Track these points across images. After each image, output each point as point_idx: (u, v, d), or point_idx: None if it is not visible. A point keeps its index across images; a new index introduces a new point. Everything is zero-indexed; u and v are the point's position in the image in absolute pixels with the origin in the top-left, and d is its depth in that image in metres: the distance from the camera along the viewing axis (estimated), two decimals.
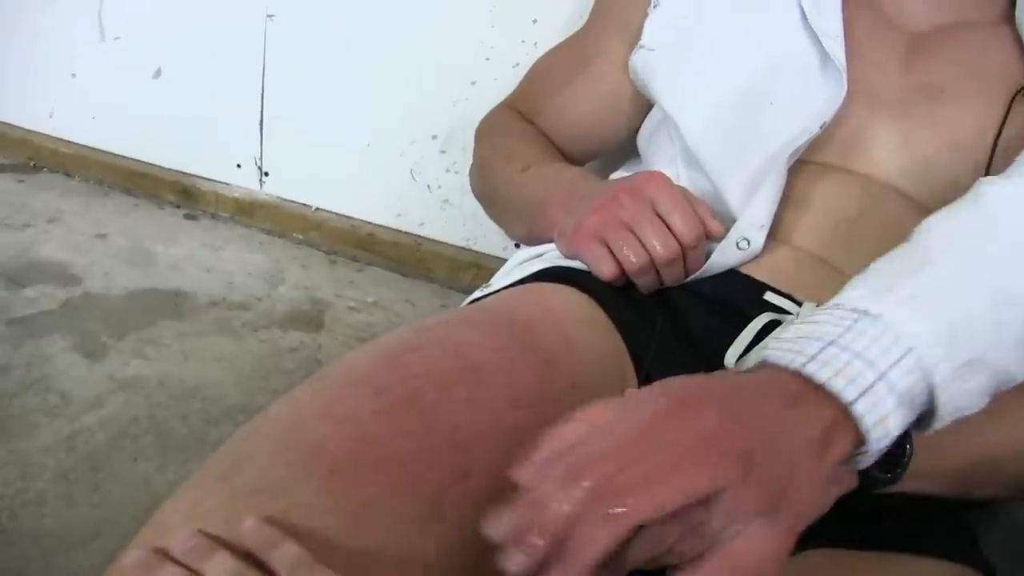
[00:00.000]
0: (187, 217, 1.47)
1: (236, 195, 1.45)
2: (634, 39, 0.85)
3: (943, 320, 0.44)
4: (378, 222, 1.39)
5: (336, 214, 1.41)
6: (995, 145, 0.70)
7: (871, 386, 0.42)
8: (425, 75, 1.27)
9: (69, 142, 1.55)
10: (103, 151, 1.53)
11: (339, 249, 1.40)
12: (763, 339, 0.65)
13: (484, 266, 1.30)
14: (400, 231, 1.37)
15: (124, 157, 1.52)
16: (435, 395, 0.52)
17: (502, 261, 0.88)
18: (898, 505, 0.59)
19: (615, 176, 0.88)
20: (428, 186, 1.32)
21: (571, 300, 0.68)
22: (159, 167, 1.50)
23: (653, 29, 0.84)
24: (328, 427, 0.49)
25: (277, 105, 1.39)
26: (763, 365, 0.46)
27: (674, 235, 0.67)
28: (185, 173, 1.49)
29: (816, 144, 0.73)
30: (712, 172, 0.77)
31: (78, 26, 1.46)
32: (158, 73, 1.45)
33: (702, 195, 0.75)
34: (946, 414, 0.44)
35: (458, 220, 1.31)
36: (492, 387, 0.54)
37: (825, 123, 0.72)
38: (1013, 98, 0.70)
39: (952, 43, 0.75)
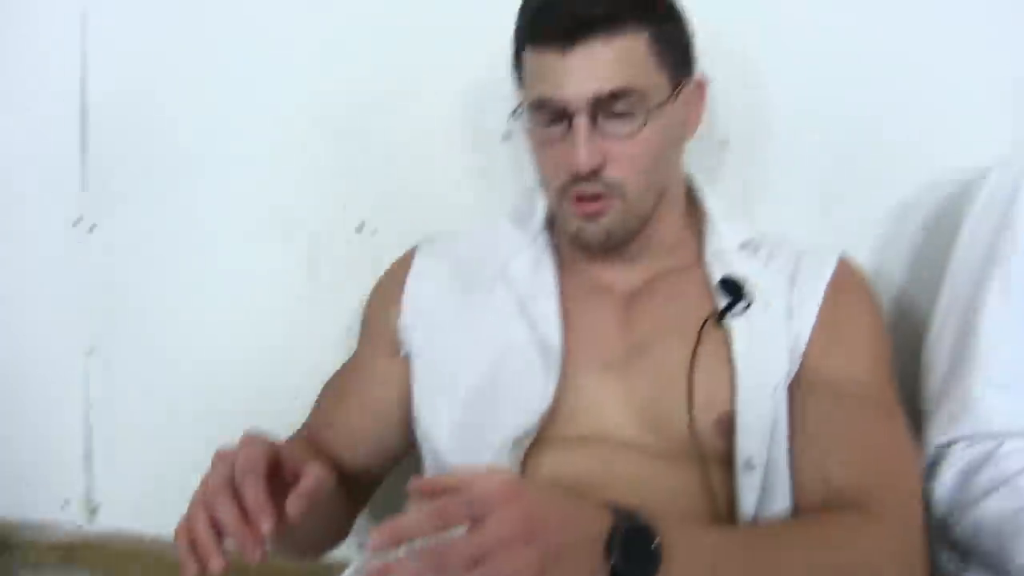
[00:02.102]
0: (3, 572, 1.38)
1: (61, 538, 1.37)
2: (391, 351, 0.94)
3: None
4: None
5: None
6: (691, 370, 0.79)
7: None
8: (249, 393, 1.28)
9: None
10: None
11: None
12: None
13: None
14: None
15: None
16: None
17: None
18: None
19: None
20: None
21: None
22: None
23: (403, 336, 0.93)
24: None
25: (104, 435, 1.37)
26: None
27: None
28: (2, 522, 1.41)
29: (551, 421, 0.80)
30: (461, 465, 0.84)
31: None
32: None
33: None
34: None
35: None
36: None
37: (543, 413, 0.80)
38: (702, 328, 0.81)
39: (654, 293, 0.87)
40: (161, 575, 1.35)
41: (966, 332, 0.85)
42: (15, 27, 1.35)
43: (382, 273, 1.04)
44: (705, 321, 0.81)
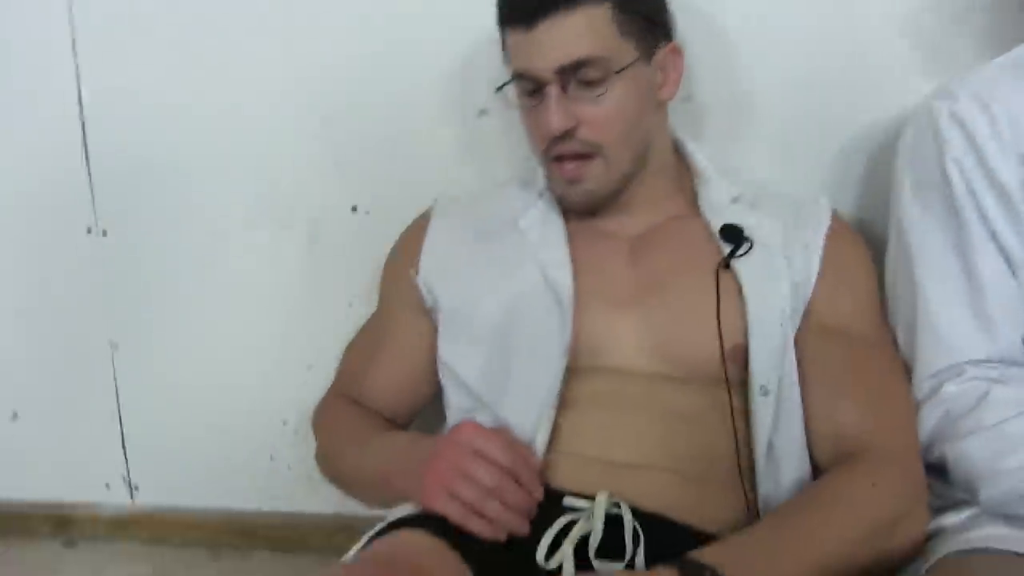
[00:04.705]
0: (66, 545, 1.50)
1: (109, 514, 1.51)
2: (417, 307, 1.02)
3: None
4: (252, 508, 1.46)
5: (211, 510, 1.48)
6: (719, 307, 0.87)
7: None
8: (266, 368, 1.40)
9: None
10: None
11: (220, 541, 1.47)
12: (566, 535, 0.80)
13: (355, 528, 1.38)
14: (274, 512, 1.45)
15: None
16: None
17: (374, 518, 0.97)
18: None
19: None
20: (288, 466, 1.42)
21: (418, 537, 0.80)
22: (29, 503, 1.54)
23: (425, 292, 1.01)
24: None
25: (136, 421, 1.48)
26: None
27: (497, 464, 0.80)
28: (57, 503, 1.54)
29: (573, 357, 0.88)
30: (494, 409, 0.92)
31: None
32: (15, 416, 1.51)
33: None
34: None
35: (322, 491, 1.40)
36: None
37: (565, 351, 0.87)
38: (718, 270, 0.88)
39: (658, 238, 0.94)
40: (198, 543, 1.47)
41: (910, 274, 0.90)
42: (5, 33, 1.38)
43: (377, 251, 1.12)
44: (720, 263, 0.89)
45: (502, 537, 0.79)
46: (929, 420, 0.87)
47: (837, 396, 0.87)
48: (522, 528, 0.80)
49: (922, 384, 0.88)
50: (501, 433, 0.85)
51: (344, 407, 1.07)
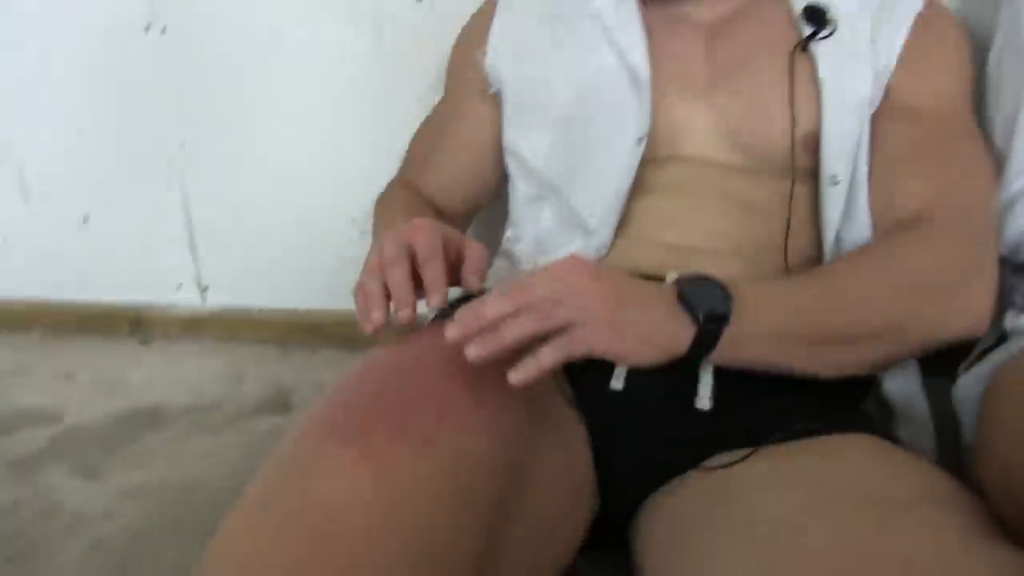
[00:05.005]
0: (142, 343, 1.57)
1: (182, 314, 1.57)
2: (481, 92, 1.01)
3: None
4: (319, 307, 1.51)
5: (280, 309, 1.53)
6: (791, 91, 0.85)
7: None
8: (335, 166, 1.42)
9: (14, 300, 1.65)
10: (49, 301, 1.63)
11: (290, 339, 1.52)
12: None
13: (422, 324, 1.43)
14: (341, 310, 1.50)
15: (71, 302, 1.62)
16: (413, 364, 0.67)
17: None
18: (812, 407, 0.78)
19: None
20: (357, 264, 1.45)
21: None
22: (106, 304, 1.61)
23: (491, 75, 0.99)
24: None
25: (205, 223, 1.52)
26: None
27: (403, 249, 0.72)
28: (132, 303, 1.60)
29: (647, 144, 0.87)
30: (563, 193, 0.92)
31: (2, 192, 1.57)
32: (87, 219, 1.56)
33: (559, 219, 0.93)
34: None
35: None
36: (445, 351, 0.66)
37: (642, 137, 0.86)
38: (793, 53, 0.85)
39: (740, 23, 0.91)
40: (268, 340, 1.54)
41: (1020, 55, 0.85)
42: None
43: (446, 42, 1.10)
44: (796, 46, 0.85)
45: (366, 319, 0.70)
46: (1021, 219, 0.85)
47: (900, 174, 0.83)
48: (376, 318, 0.69)
49: (1016, 179, 0.85)
50: (452, 235, 0.75)
51: (401, 192, 1.07)
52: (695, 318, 0.68)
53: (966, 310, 0.76)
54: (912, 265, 0.75)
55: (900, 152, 0.84)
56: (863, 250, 0.82)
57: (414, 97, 1.31)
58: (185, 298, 1.57)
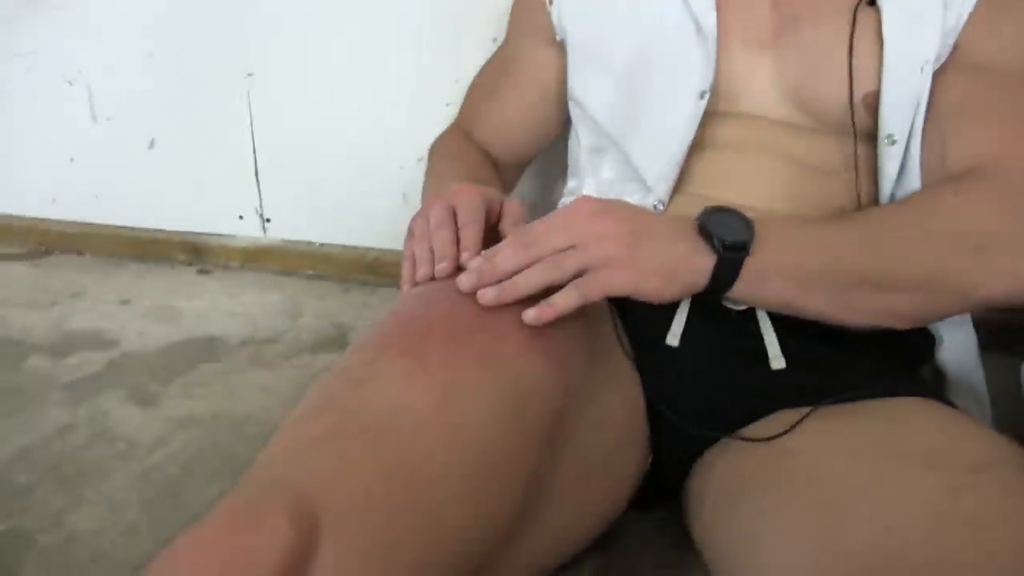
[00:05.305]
0: (200, 272, 1.56)
1: (243, 245, 1.54)
2: (547, 38, 0.97)
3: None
4: (381, 247, 1.48)
5: (340, 246, 1.50)
6: (851, 48, 0.79)
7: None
8: (403, 104, 1.37)
9: (75, 223, 1.64)
10: (110, 225, 1.62)
11: (349, 277, 1.50)
12: None
13: None
14: (401, 251, 1.46)
15: (131, 228, 1.61)
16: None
17: None
18: (869, 368, 0.76)
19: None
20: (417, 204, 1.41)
21: None
22: (166, 231, 1.59)
23: (557, 23, 0.96)
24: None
25: (269, 154, 1.49)
26: None
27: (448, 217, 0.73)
28: (192, 232, 1.58)
29: (712, 96, 0.83)
30: (622, 146, 0.89)
31: (71, 112, 1.55)
32: (152, 144, 1.54)
33: (619, 172, 0.90)
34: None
35: None
36: None
37: (705, 91, 0.82)
38: (856, 7, 0.80)
39: None
40: (327, 276, 1.52)
41: None
42: None
43: None
44: (858, 3, 0.80)
45: (409, 279, 0.72)
46: None
47: (955, 129, 0.77)
48: (422, 274, 0.71)
49: None
50: (495, 198, 0.76)
51: (455, 140, 1.05)
52: (714, 247, 0.66)
53: (1009, 271, 0.69)
54: (952, 216, 0.70)
55: (958, 105, 0.78)
56: (906, 199, 0.78)
57: (489, 38, 1.26)
58: (246, 228, 1.55)
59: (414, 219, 0.76)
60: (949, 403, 0.75)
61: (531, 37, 1.00)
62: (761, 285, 0.67)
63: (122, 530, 0.89)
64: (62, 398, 1.14)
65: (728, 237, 0.66)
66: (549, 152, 1.10)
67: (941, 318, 0.79)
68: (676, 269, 0.65)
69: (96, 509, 0.92)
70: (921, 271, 0.69)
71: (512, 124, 1.04)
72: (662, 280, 0.65)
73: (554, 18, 0.96)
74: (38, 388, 1.17)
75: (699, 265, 0.66)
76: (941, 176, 0.77)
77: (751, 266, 0.66)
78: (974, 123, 0.77)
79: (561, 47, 0.97)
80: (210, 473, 0.99)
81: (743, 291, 0.67)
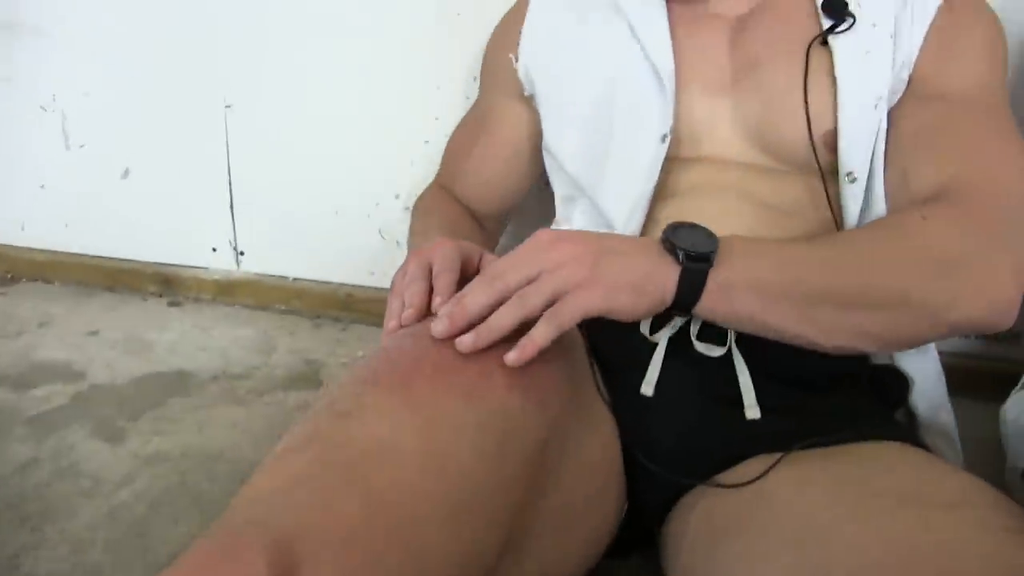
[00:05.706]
0: (171, 304, 1.54)
1: (216, 277, 1.53)
2: (516, 94, 1.00)
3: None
4: (355, 283, 1.47)
5: (314, 281, 1.49)
6: (805, 88, 0.81)
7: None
8: (380, 140, 1.37)
9: (44, 250, 1.62)
10: (80, 254, 1.60)
11: (322, 313, 1.49)
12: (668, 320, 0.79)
13: None
14: (376, 288, 1.46)
15: (102, 257, 1.59)
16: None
17: None
18: (843, 412, 0.78)
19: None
20: (397, 242, 1.41)
21: None
22: (138, 261, 1.57)
23: (524, 78, 0.98)
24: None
25: (245, 186, 1.48)
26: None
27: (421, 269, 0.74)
28: (164, 263, 1.56)
29: (672, 142, 0.84)
30: (590, 194, 0.91)
31: (43, 138, 1.53)
32: (126, 173, 1.52)
33: (589, 220, 0.92)
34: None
35: None
36: None
37: (666, 134, 0.84)
38: (809, 48, 0.82)
39: (761, 17, 0.87)
40: (299, 312, 1.51)
41: None
42: None
43: (496, 22, 1.07)
44: (812, 40, 0.82)
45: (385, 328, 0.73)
46: None
47: (915, 157, 0.78)
48: (390, 327, 0.72)
49: None
50: (472, 251, 0.77)
51: (437, 198, 1.07)
52: (678, 259, 0.66)
53: (979, 292, 0.68)
54: (921, 237, 0.70)
55: (915, 134, 0.80)
56: (875, 222, 0.79)
57: (470, 77, 1.26)
58: (219, 261, 1.54)
59: (395, 274, 0.76)
60: (923, 446, 0.76)
61: (502, 94, 1.03)
62: (727, 298, 0.67)
63: (85, 572, 0.87)
64: (26, 432, 1.12)
65: (692, 249, 0.66)
66: (539, 199, 1.12)
67: (914, 342, 0.78)
68: (642, 283, 0.65)
69: (57, 550, 0.90)
70: (889, 290, 0.68)
71: (489, 180, 1.06)
72: (631, 295, 0.65)
73: (521, 74, 0.98)
74: (1, 421, 1.14)
75: (664, 278, 0.66)
76: (906, 204, 0.77)
77: (716, 278, 0.66)
78: (934, 149, 0.78)
79: (531, 102, 0.99)
80: (178, 512, 0.97)
81: (709, 305, 0.67)
